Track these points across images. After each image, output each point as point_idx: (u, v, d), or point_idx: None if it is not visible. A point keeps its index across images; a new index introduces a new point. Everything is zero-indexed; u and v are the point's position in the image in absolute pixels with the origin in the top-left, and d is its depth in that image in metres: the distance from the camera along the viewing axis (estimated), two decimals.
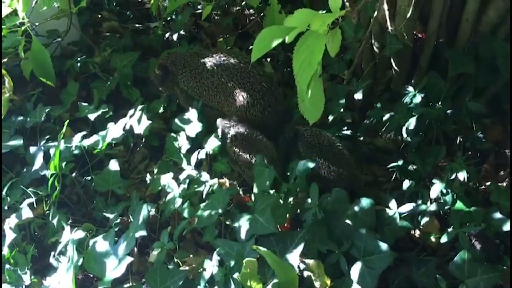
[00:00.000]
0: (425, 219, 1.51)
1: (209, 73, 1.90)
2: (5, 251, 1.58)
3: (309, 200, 1.47)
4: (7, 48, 2.10)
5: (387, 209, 1.48)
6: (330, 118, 1.87)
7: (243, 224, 1.47)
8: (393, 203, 1.50)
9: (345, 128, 1.89)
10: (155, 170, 1.84)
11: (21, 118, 1.97)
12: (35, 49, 2.05)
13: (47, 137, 1.91)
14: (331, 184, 1.56)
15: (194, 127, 1.82)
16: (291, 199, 1.56)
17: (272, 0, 2.01)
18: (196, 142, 1.86)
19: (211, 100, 1.93)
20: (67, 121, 1.77)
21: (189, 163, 1.77)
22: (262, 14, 2.23)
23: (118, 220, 1.67)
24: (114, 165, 1.70)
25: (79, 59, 2.21)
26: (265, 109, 1.83)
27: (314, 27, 1.16)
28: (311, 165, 1.55)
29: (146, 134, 1.88)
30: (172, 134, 1.85)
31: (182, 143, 1.80)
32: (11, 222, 1.58)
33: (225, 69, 1.87)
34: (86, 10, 2.39)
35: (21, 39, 2.03)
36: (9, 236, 1.57)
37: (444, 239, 1.43)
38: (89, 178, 1.82)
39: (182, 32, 2.41)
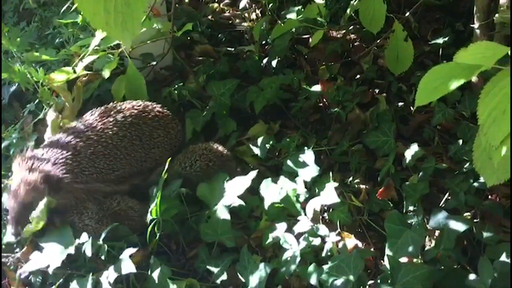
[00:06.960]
0: None
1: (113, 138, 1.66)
2: None
3: (472, 277, 1.21)
4: (99, 71, 1.95)
5: None
6: None
7: None
8: None
9: None
10: (263, 216, 1.62)
11: None
12: (130, 74, 1.90)
13: None
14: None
15: (310, 171, 1.58)
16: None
17: (396, 26, 1.76)
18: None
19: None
20: (169, 158, 1.58)
21: (304, 213, 1.54)
22: (378, 41, 1.99)
23: (225, 277, 1.46)
24: (224, 213, 1.48)
25: (176, 86, 2.04)
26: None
27: None
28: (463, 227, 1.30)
29: None
30: (284, 177, 1.63)
31: (299, 189, 1.57)
32: (110, 276, 1.38)
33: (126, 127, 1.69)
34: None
35: (113, 61, 1.88)
36: None
37: None
38: (190, 223, 1.62)
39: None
